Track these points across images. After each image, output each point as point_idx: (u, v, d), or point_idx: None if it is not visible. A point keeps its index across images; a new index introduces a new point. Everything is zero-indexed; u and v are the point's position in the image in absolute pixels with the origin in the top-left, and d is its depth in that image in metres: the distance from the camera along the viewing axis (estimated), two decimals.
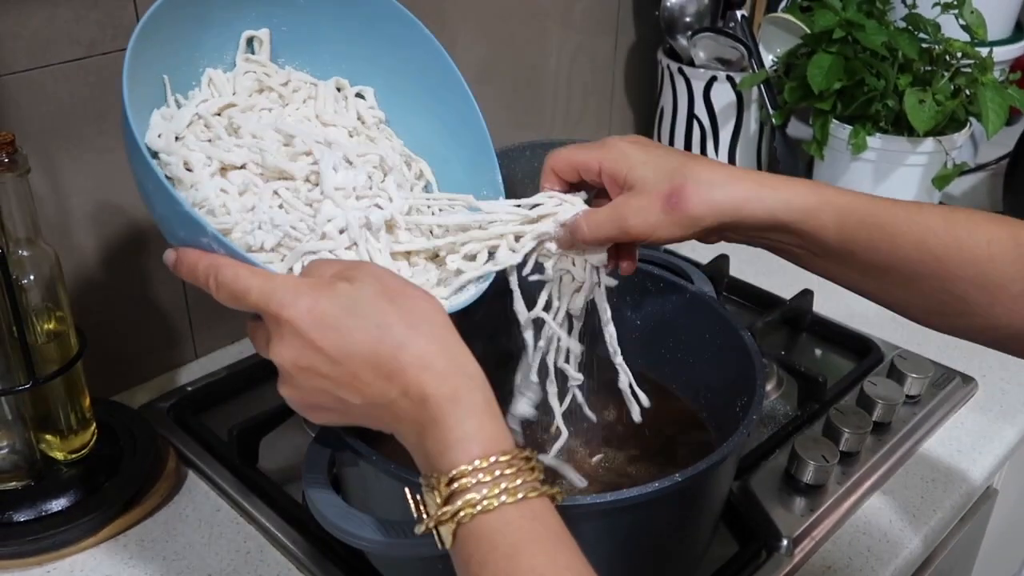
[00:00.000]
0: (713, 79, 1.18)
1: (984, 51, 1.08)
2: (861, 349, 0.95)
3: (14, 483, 0.71)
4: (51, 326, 0.69)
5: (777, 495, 0.77)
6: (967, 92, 1.07)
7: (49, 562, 0.70)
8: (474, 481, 0.44)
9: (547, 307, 0.64)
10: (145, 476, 0.75)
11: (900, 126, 1.09)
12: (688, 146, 1.24)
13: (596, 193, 0.63)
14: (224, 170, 0.58)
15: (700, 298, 0.73)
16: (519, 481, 0.45)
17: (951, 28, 1.12)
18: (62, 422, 0.72)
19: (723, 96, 1.19)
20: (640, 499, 0.54)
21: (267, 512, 0.74)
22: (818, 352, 0.97)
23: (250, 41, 0.65)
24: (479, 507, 0.44)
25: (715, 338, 0.71)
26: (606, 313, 0.65)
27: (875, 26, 1.07)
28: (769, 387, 0.90)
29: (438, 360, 0.47)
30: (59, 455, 0.73)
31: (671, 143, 1.26)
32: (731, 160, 1.24)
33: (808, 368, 0.87)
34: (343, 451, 0.57)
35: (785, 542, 0.72)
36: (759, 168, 1.27)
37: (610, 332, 0.65)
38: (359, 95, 0.68)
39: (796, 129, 1.28)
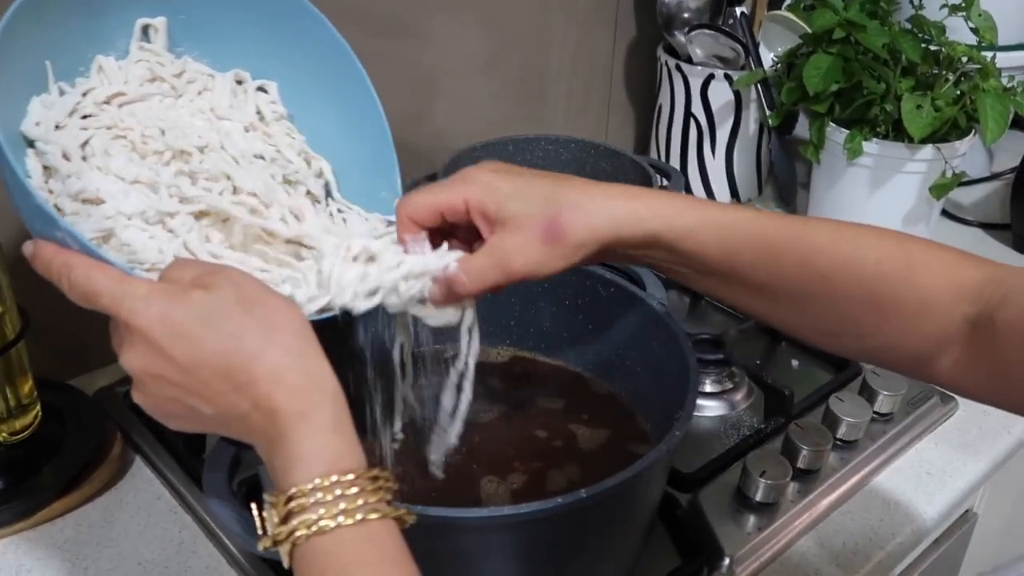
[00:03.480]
0: (711, 77, 1.15)
1: (989, 55, 1.03)
2: (838, 362, 0.92)
3: None
4: None
5: (728, 511, 0.74)
6: (971, 98, 1.02)
7: None
8: (311, 501, 0.42)
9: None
10: (86, 460, 0.75)
11: (901, 131, 1.05)
12: (685, 145, 1.21)
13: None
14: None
15: (647, 305, 0.70)
16: (360, 502, 0.43)
17: (963, 31, 1.07)
18: None
19: (721, 95, 1.16)
20: (541, 514, 0.52)
21: (205, 503, 0.74)
22: (795, 363, 0.94)
23: (146, 29, 0.63)
24: (314, 528, 0.42)
25: (660, 347, 0.69)
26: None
27: (877, 27, 1.03)
28: (739, 397, 0.87)
29: (291, 373, 0.45)
30: (0, 436, 0.73)
31: (668, 141, 1.23)
32: (728, 161, 1.20)
33: (776, 380, 0.84)
34: (249, 448, 0.55)
35: (727, 560, 0.69)
36: (759, 172, 1.24)
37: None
38: (261, 89, 0.66)
39: (806, 130, 1.24)
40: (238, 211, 0.56)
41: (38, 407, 0.75)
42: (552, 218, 0.54)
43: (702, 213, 0.55)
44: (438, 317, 0.57)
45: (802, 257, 0.53)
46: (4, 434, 0.73)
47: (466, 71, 1.12)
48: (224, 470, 0.55)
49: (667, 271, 0.58)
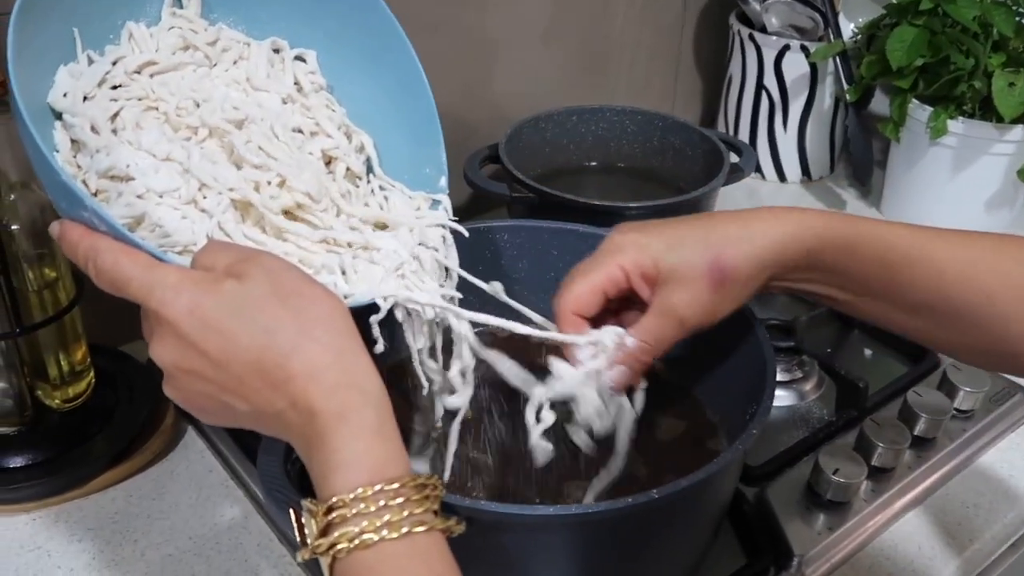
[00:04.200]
0: (786, 48, 1.10)
1: None
2: (915, 353, 0.87)
3: (4, 428, 0.71)
4: (44, 274, 0.68)
5: (796, 508, 0.71)
6: None
7: (35, 510, 0.70)
8: (353, 512, 0.40)
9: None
10: (138, 431, 0.73)
11: (989, 110, 0.99)
12: (755, 119, 1.16)
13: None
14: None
15: None
16: (405, 513, 0.40)
17: None
18: (53, 371, 0.71)
19: (796, 67, 1.11)
20: (610, 513, 0.49)
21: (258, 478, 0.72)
22: (868, 352, 0.90)
23: None
24: (356, 541, 0.39)
25: (734, 337, 0.65)
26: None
27: None
28: (808, 387, 0.83)
29: (329, 371, 0.42)
30: (53, 403, 0.72)
31: (737, 115, 1.18)
32: (800, 137, 1.15)
33: (849, 371, 0.80)
34: None
35: (796, 561, 0.66)
36: (832, 149, 1.18)
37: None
38: (299, 58, 0.62)
39: (883, 106, 1.18)
40: (281, 221, 0.54)
41: (91, 374, 0.74)
42: (714, 261, 0.53)
43: (860, 229, 0.53)
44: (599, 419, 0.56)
45: (963, 272, 0.51)
46: (57, 401, 0.72)
47: (526, 38, 1.08)
48: (279, 454, 0.53)
49: (823, 298, 0.56)
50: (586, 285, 0.55)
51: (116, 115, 0.54)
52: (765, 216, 0.54)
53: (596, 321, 0.56)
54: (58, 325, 0.69)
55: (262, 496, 0.52)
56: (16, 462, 0.70)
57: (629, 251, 0.54)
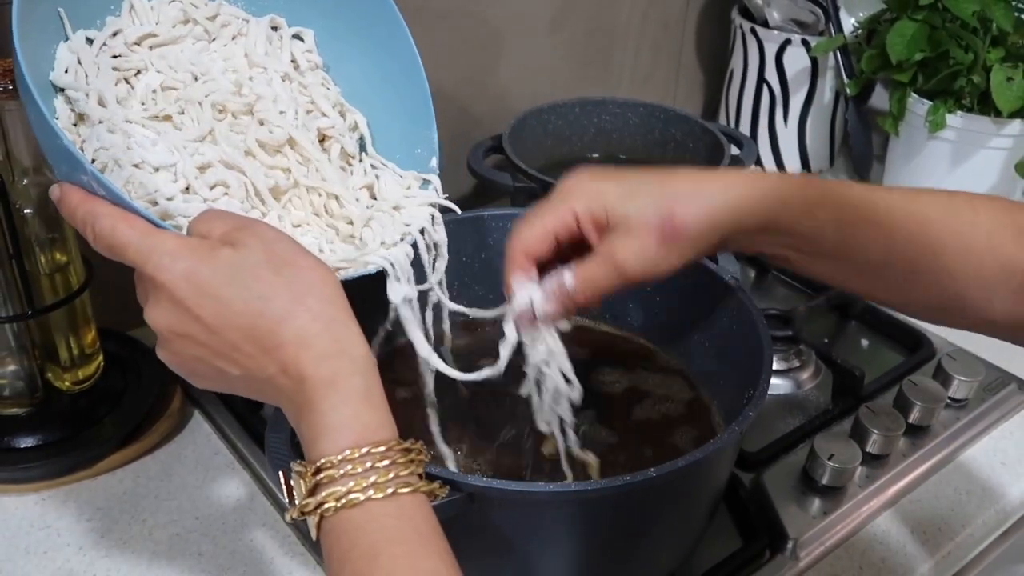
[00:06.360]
0: (787, 42, 1.11)
1: None
2: (911, 344, 0.88)
3: (15, 409, 0.72)
4: (55, 257, 0.69)
5: (792, 493, 0.72)
6: None
7: (45, 490, 0.71)
8: (340, 473, 0.41)
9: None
10: (146, 413, 0.75)
11: (987, 105, 1.00)
12: (756, 113, 1.17)
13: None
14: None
15: (720, 280, 0.68)
16: (391, 475, 0.41)
17: None
18: (63, 354, 0.72)
19: (796, 61, 1.12)
20: (610, 491, 0.51)
21: (264, 460, 0.74)
22: (865, 343, 0.91)
23: None
24: (343, 501, 0.41)
25: (731, 323, 0.66)
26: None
27: None
28: (805, 376, 0.85)
29: (320, 339, 0.43)
30: (63, 385, 0.74)
31: (738, 108, 1.19)
32: (801, 130, 1.16)
33: (846, 360, 0.81)
34: None
35: (791, 544, 0.68)
36: (832, 142, 1.19)
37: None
38: (297, 36, 0.63)
39: (883, 100, 1.19)
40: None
41: (101, 357, 0.76)
42: (667, 215, 0.51)
43: (817, 191, 0.53)
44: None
45: (913, 230, 0.51)
46: (67, 383, 0.74)
47: (531, 30, 1.09)
48: (286, 431, 0.54)
49: (776, 257, 0.56)
50: (538, 227, 0.54)
51: (117, 84, 0.55)
52: (724, 177, 0.54)
53: (545, 268, 0.56)
54: (68, 308, 0.70)
55: (269, 473, 0.53)
56: (27, 442, 0.71)
57: (582, 196, 0.53)
